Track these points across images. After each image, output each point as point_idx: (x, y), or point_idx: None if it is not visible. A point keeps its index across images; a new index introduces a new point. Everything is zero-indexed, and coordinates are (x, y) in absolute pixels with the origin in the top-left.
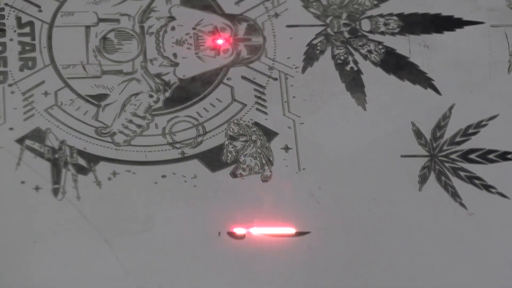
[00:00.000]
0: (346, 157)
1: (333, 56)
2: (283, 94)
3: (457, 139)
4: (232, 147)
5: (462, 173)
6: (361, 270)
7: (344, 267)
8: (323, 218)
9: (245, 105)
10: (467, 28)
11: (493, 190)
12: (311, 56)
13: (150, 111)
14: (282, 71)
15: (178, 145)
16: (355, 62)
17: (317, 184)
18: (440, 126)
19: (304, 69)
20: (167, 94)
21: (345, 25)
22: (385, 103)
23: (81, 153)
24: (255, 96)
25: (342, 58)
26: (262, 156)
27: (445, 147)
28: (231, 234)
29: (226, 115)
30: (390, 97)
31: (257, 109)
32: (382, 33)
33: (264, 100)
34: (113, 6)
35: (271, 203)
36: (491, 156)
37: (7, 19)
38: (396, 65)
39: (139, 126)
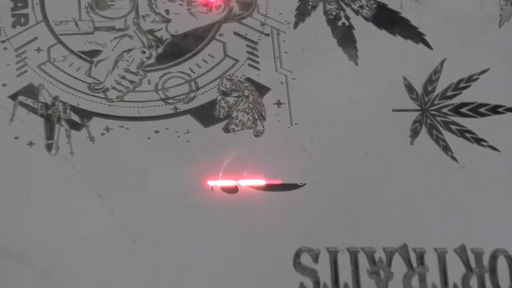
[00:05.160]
0: (338, 112)
1: (325, 12)
2: (275, 50)
3: (449, 93)
4: (224, 103)
5: (453, 127)
6: (353, 224)
7: (336, 220)
8: (315, 172)
9: (237, 60)
10: None
11: (484, 143)
12: (303, 12)
13: (143, 67)
14: (274, 27)
15: (170, 101)
16: (347, 18)
17: (309, 138)
18: (431, 81)
19: (296, 25)
20: (160, 50)
21: None
22: (377, 58)
23: (74, 109)
24: (247, 51)
25: (333, 13)
26: (254, 111)
27: (436, 101)
28: (224, 189)
29: (218, 70)
30: (381, 52)
31: (249, 64)
32: None
33: (256, 56)
34: None
35: (263, 158)
36: (482, 109)
37: None
38: (388, 20)
39: (131, 82)
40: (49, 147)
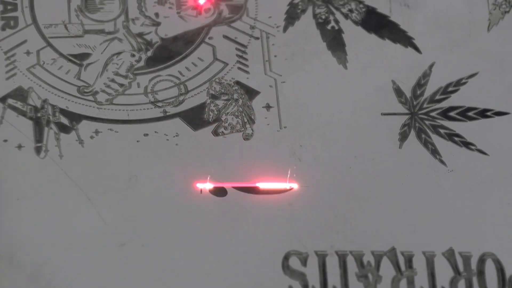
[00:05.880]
0: (327, 115)
1: (314, 15)
2: (265, 53)
3: (437, 97)
4: (214, 106)
5: (442, 131)
6: (342, 227)
7: (325, 223)
8: (304, 176)
9: (227, 64)
10: None
11: (472, 147)
12: (292, 15)
13: (132, 70)
14: (263, 30)
15: (160, 104)
16: (336, 21)
17: (298, 142)
18: (420, 84)
19: (285, 28)
20: (149, 53)
21: None
22: (366, 61)
23: (64, 112)
24: (237, 55)
25: (323, 17)
26: (243, 114)
27: (425, 105)
28: (213, 192)
29: (208, 74)
30: (370, 55)
31: (238, 68)
32: None
33: (246, 59)
34: None
35: (252, 161)
36: (470, 113)
37: None
38: (377, 24)
39: (121, 85)
40: (38, 150)
